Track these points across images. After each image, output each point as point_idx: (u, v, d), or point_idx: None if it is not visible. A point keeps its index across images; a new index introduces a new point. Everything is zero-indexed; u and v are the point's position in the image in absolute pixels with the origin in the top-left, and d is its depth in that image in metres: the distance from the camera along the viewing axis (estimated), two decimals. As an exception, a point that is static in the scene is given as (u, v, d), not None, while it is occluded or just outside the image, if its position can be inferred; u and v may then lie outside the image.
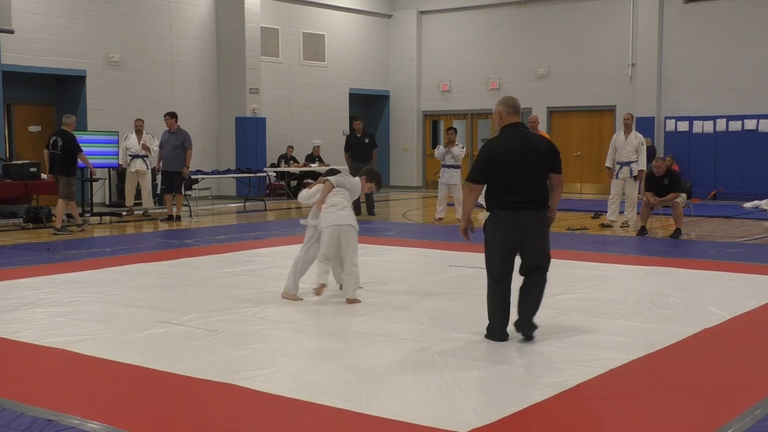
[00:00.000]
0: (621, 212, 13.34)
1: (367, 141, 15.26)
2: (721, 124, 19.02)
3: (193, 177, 16.01)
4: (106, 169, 16.80)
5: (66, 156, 12.79)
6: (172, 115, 14.46)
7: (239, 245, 11.12)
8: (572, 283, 7.93)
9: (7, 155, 15.87)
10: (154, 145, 15.11)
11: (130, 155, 15.35)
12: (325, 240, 7.08)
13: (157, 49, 18.58)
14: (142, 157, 15.30)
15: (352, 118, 18.78)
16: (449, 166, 14.05)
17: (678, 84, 19.63)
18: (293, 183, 20.46)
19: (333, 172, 7.60)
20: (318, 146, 20.97)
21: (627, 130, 13.13)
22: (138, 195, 15.66)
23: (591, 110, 20.94)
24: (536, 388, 4.70)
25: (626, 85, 20.31)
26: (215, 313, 6.68)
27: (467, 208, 5.90)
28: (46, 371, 5.17)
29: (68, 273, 8.76)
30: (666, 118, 19.76)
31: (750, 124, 18.68)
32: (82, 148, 13.09)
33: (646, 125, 19.07)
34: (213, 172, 17.47)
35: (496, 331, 5.78)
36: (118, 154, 15.92)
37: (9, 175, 13.64)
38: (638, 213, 12.61)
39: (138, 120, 15.55)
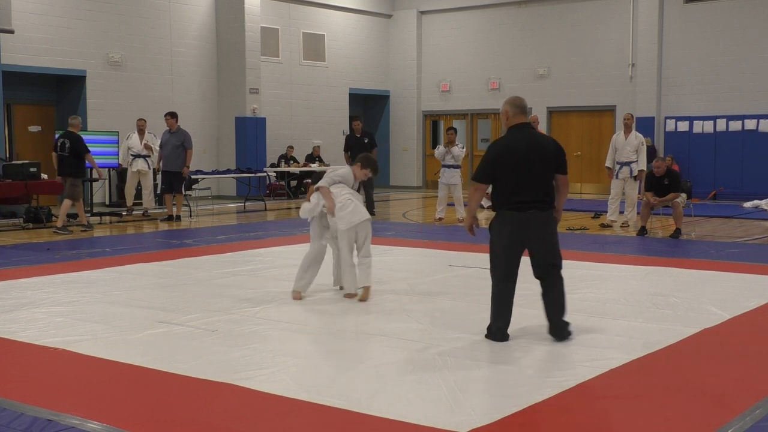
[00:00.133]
0: (621, 212, 13.34)
1: (366, 141, 15.26)
2: (721, 124, 19.02)
3: (193, 177, 16.01)
4: (106, 169, 16.79)
5: (73, 157, 12.87)
6: (172, 115, 14.46)
7: (239, 245, 11.12)
8: (572, 283, 7.90)
9: (7, 155, 15.87)
10: (156, 145, 15.10)
11: (132, 155, 15.35)
12: (345, 242, 7.12)
13: (157, 49, 18.58)
14: (144, 156, 15.30)
15: (352, 118, 18.79)
16: (449, 166, 14.05)
17: (678, 84, 19.63)
18: (293, 183, 20.47)
19: (319, 178, 7.57)
20: (318, 146, 20.98)
21: (627, 130, 13.13)
22: (138, 195, 15.66)
23: (591, 110, 20.94)
24: (536, 388, 4.70)
25: (626, 85, 20.31)
26: (215, 313, 6.68)
27: (472, 207, 5.92)
28: (46, 371, 5.17)
29: (68, 273, 8.76)
30: (666, 118, 19.76)
31: (750, 124, 18.68)
32: (89, 149, 13.13)
33: (646, 125, 19.07)
34: (213, 172, 17.47)
35: (497, 332, 5.78)
36: (118, 154, 15.93)
37: (9, 175, 13.64)
38: (638, 213, 12.61)
39: (140, 120, 15.54)
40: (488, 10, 22.38)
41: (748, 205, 16.58)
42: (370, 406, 4.36)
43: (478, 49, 22.56)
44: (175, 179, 14.38)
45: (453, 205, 14.41)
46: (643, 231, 12.02)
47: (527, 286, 7.68)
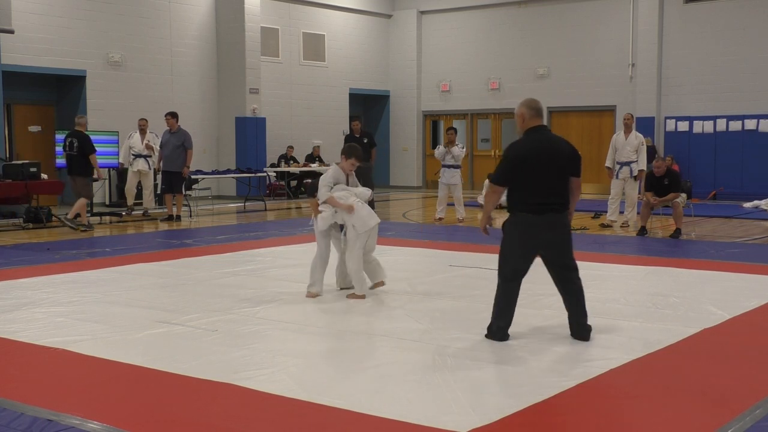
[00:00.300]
0: (621, 212, 13.33)
1: (365, 141, 15.25)
2: (721, 124, 19.02)
3: (193, 177, 16.00)
4: (107, 169, 16.79)
5: (81, 157, 12.96)
6: (173, 115, 14.46)
7: (239, 245, 11.12)
8: (572, 283, 7.92)
9: (7, 155, 15.87)
10: (157, 146, 15.10)
11: (132, 155, 15.34)
12: (361, 245, 7.18)
13: (157, 49, 18.58)
14: (145, 157, 15.28)
15: (351, 118, 18.79)
16: (449, 166, 14.05)
17: (678, 84, 19.63)
18: (293, 183, 20.47)
19: (312, 187, 7.56)
20: (318, 146, 20.97)
21: (627, 130, 13.13)
22: (138, 195, 15.66)
23: (591, 110, 20.94)
24: (536, 388, 4.70)
25: (626, 85, 20.31)
26: (215, 313, 6.68)
27: (488, 208, 5.95)
28: (46, 371, 5.17)
29: (68, 273, 8.76)
30: (666, 118, 19.76)
31: (750, 124, 18.68)
32: (96, 149, 13.29)
33: (646, 125, 19.07)
34: (213, 172, 17.47)
35: (498, 331, 5.78)
36: (118, 154, 15.92)
37: (9, 175, 13.64)
38: (638, 213, 12.61)
39: (142, 119, 15.52)
40: (488, 10, 22.37)
41: (747, 205, 16.58)
42: (370, 406, 4.36)
43: (478, 49, 22.55)
44: (175, 179, 14.37)
45: (453, 205, 14.41)
46: (643, 231, 12.02)
47: (528, 286, 7.67)
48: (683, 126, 19.48)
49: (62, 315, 6.65)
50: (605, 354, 5.42)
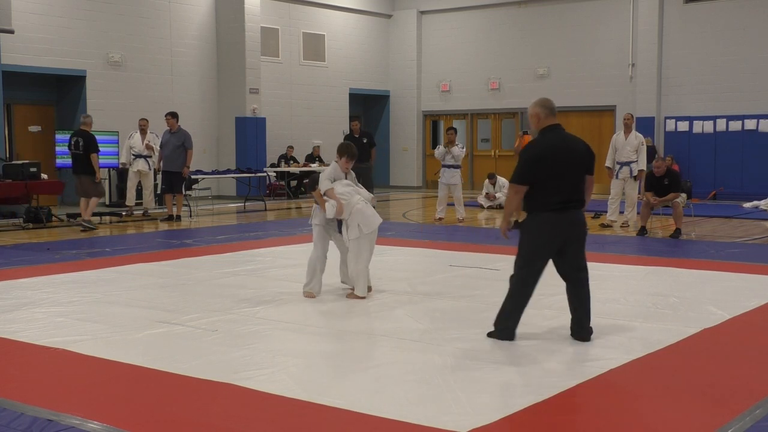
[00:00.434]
0: (621, 212, 13.33)
1: (365, 141, 15.25)
2: (721, 124, 19.02)
3: (193, 177, 16.01)
4: (107, 169, 16.80)
5: (86, 156, 13.02)
6: (173, 115, 14.46)
7: (239, 245, 11.12)
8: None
9: (7, 155, 15.87)
10: (157, 146, 15.09)
11: (133, 155, 15.33)
12: (368, 245, 7.20)
13: (157, 49, 18.58)
14: (145, 157, 15.27)
15: (351, 118, 18.78)
16: (449, 166, 14.04)
17: (678, 84, 19.63)
18: (293, 183, 20.47)
19: (312, 182, 7.58)
20: (318, 146, 20.98)
21: (627, 130, 13.12)
22: (139, 195, 15.65)
23: (591, 110, 20.94)
24: (536, 387, 4.70)
25: (626, 85, 20.31)
26: (215, 313, 6.68)
27: (509, 210, 5.81)
28: (46, 371, 5.17)
29: (68, 273, 8.76)
30: (666, 118, 19.76)
31: (750, 124, 18.68)
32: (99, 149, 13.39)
33: (646, 125, 19.06)
34: (213, 172, 17.47)
35: (505, 331, 5.76)
36: (118, 154, 15.91)
37: (9, 175, 13.65)
38: (638, 213, 12.61)
39: (142, 119, 15.50)
40: (488, 10, 22.37)
41: (747, 205, 16.59)
42: (370, 406, 4.36)
43: (478, 49, 22.55)
44: (175, 179, 14.38)
45: (453, 205, 14.41)
46: (643, 231, 12.02)
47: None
48: (683, 126, 19.48)
49: (62, 315, 6.65)
50: (605, 354, 5.42)
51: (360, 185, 7.60)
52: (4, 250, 10.66)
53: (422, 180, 24.08)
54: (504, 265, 9.11)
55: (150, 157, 15.28)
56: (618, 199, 13.17)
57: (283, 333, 6.14)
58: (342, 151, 7.46)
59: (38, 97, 17.60)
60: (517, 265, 5.80)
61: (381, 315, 6.77)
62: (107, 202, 17.25)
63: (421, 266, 9.35)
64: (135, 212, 15.30)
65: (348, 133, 16.93)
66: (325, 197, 7.29)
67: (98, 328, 6.21)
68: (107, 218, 14.56)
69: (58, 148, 15.60)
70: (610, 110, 20.56)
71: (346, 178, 7.48)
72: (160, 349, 5.60)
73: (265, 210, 16.75)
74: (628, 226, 13.03)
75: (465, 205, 14.85)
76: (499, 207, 17.12)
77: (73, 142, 13.15)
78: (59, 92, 17.75)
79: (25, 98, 17.30)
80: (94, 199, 13.19)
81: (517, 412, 4.29)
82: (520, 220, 5.80)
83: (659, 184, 11.83)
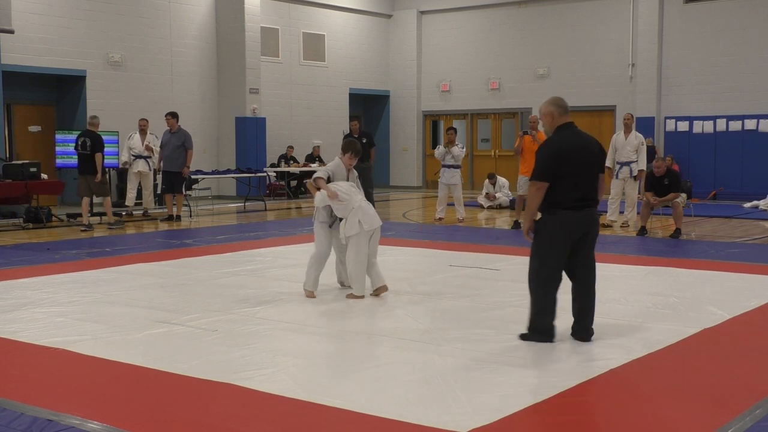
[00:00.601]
0: (621, 212, 13.33)
1: (364, 141, 15.24)
2: (721, 124, 19.02)
3: (193, 177, 16.01)
4: (107, 169, 16.77)
5: (93, 156, 13.06)
6: (173, 115, 14.46)
7: (239, 245, 11.12)
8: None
9: (7, 155, 15.87)
10: (157, 147, 15.08)
11: (132, 155, 15.31)
12: (365, 244, 7.18)
13: (157, 49, 18.58)
14: (145, 158, 15.26)
15: (351, 118, 18.78)
16: (449, 166, 14.04)
17: (678, 84, 19.63)
18: (293, 183, 20.47)
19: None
20: (318, 146, 20.98)
21: (627, 130, 13.12)
22: (139, 195, 15.64)
23: (591, 110, 20.93)
24: (536, 387, 4.70)
25: (626, 85, 20.31)
26: (215, 313, 6.68)
27: (531, 209, 5.77)
28: (46, 371, 5.17)
29: (68, 273, 8.76)
30: (666, 118, 19.76)
31: (750, 124, 18.68)
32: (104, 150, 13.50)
33: (646, 125, 19.07)
34: (213, 172, 17.47)
35: (550, 330, 5.70)
36: (118, 154, 15.90)
37: (9, 175, 13.65)
38: (638, 213, 12.61)
39: (142, 120, 15.48)
40: (488, 10, 22.37)
41: (747, 205, 16.59)
42: (370, 406, 4.36)
43: (478, 49, 22.55)
44: (175, 179, 14.38)
45: (453, 205, 14.41)
46: (643, 231, 12.02)
47: (528, 286, 7.68)
48: (683, 126, 19.48)
49: (62, 315, 6.65)
50: (605, 354, 5.42)
51: (360, 188, 7.60)
52: (4, 250, 10.66)
53: (422, 180, 24.08)
54: (504, 265, 9.14)
55: (149, 157, 15.27)
56: (618, 199, 13.17)
57: (283, 333, 6.14)
58: (346, 147, 7.50)
59: (38, 97, 17.60)
60: (534, 266, 5.75)
61: (381, 315, 6.77)
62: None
63: (421, 266, 9.36)
64: (135, 212, 15.29)
65: (347, 133, 16.93)
66: (315, 185, 7.32)
67: (98, 328, 6.21)
68: (107, 218, 14.54)
69: (58, 148, 15.59)
70: (610, 110, 20.56)
71: (348, 176, 7.49)
72: (160, 349, 5.60)
73: (265, 210, 16.75)
74: (628, 226, 13.03)
75: (465, 205, 14.85)
76: (499, 207, 17.12)
77: (80, 143, 13.19)
78: (59, 92, 17.75)
79: (25, 98, 17.30)
80: (107, 198, 13.40)
81: (517, 412, 4.29)
82: (536, 219, 5.79)
83: (659, 184, 11.83)
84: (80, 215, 13.43)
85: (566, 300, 5.88)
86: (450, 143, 14.02)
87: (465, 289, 7.78)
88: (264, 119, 20.09)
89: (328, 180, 7.38)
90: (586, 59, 20.77)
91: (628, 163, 12.99)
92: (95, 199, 13.79)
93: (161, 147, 14.64)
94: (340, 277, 7.72)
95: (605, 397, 4.66)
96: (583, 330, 5.80)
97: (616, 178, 13.12)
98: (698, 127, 19.30)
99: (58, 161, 15.69)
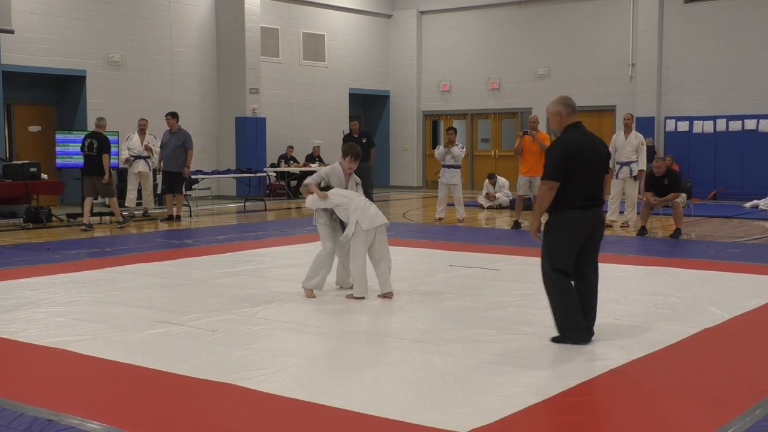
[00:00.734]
0: (621, 212, 13.33)
1: (364, 141, 15.26)
2: (721, 124, 19.02)
3: (193, 177, 16.00)
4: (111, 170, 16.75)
5: (100, 157, 13.13)
6: (173, 115, 14.46)
7: (239, 245, 11.11)
8: (572, 283, 7.92)
9: (7, 155, 15.87)
10: (156, 147, 15.07)
11: (132, 156, 15.29)
12: (363, 244, 7.13)
13: (157, 49, 18.58)
14: (145, 158, 15.24)
15: (351, 118, 18.78)
16: (449, 166, 14.04)
17: (678, 84, 19.63)
18: (293, 183, 20.47)
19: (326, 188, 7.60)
20: (318, 146, 20.98)
21: (627, 130, 13.12)
22: (139, 195, 15.62)
23: (591, 110, 20.90)
24: (536, 387, 4.70)
25: (626, 85, 20.31)
26: (215, 313, 6.68)
27: (542, 208, 5.73)
28: (46, 371, 5.17)
29: (68, 273, 8.76)
30: (666, 118, 19.76)
31: (750, 124, 18.68)
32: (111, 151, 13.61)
33: (646, 125, 19.07)
34: (213, 172, 17.47)
35: (579, 326, 5.64)
36: (118, 154, 15.89)
37: (9, 175, 13.65)
38: (638, 213, 12.61)
39: (142, 119, 15.45)
40: (488, 10, 22.37)
41: (748, 205, 16.59)
42: (370, 406, 4.36)
43: (478, 49, 22.55)
44: (175, 179, 14.38)
45: (453, 205, 14.41)
46: (643, 231, 12.02)
47: (528, 286, 7.69)
48: (683, 126, 19.48)
49: (62, 315, 6.65)
50: (605, 354, 5.42)
51: (362, 192, 7.59)
52: (4, 250, 10.66)
53: (422, 180, 24.08)
54: (504, 265, 9.14)
55: (149, 157, 15.25)
56: (618, 199, 13.17)
57: (283, 333, 6.14)
58: (346, 151, 7.50)
59: (38, 97, 17.60)
60: (546, 269, 5.72)
61: (381, 315, 6.77)
62: (107, 202, 17.23)
63: (421, 266, 9.35)
64: (135, 212, 15.28)
65: (347, 133, 16.93)
66: (307, 189, 7.33)
67: (98, 328, 6.21)
68: (107, 218, 14.55)
69: (58, 148, 15.59)
70: (610, 110, 20.56)
71: (346, 181, 7.47)
72: (160, 349, 5.60)
73: (265, 210, 16.75)
74: (628, 226, 13.03)
75: (465, 205, 14.85)
76: (499, 207, 17.12)
77: (86, 144, 13.23)
78: (59, 92, 17.75)
79: (25, 98, 17.30)
80: (114, 200, 13.46)
81: (517, 412, 4.29)
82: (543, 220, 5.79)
83: (659, 184, 11.82)
84: (80, 215, 13.43)
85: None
86: (450, 143, 14.02)
87: (465, 289, 7.78)
88: (264, 119, 20.10)
89: (325, 187, 7.37)
90: (586, 59, 20.77)
91: (628, 163, 12.99)
92: (97, 200, 13.79)
93: (161, 147, 14.64)
94: (340, 281, 7.70)
95: (605, 397, 4.66)
96: (589, 331, 5.79)
97: (616, 178, 13.12)
98: (698, 127, 19.30)
99: (58, 161, 15.69)
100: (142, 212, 15.32)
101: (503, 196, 17.32)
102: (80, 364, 5.29)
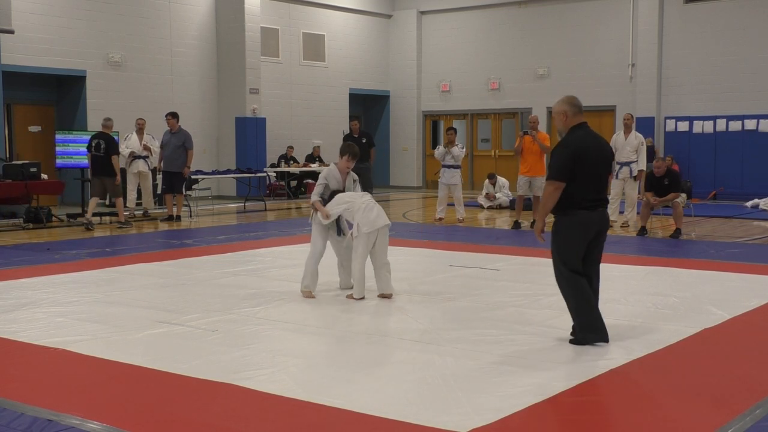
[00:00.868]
0: (621, 212, 13.34)
1: (364, 141, 15.26)
2: (721, 124, 19.02)
3: (193, 177, 16.00)
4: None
5: (108, 158, 13.15)
6: (173, 116, 14.46)
7: (239, 245, 11.12)
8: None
9: (7, 155, 15.87)
10: (155, 146, 15.08)
11: (131, 156, 15.27)
12: (364, 246, 7.11)
13: (157, 49, 18.58)
14: (144, 158, 15.25)
15: (351, 118, 18.78)
16: (449, 166, 14.03)
17: (678, 84, 19.63)
18: (293, 183, 20.47)
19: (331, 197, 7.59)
20: (318, 146, 20.98)
21: (627, 130, 13.12)
22: (139, 195, 15.62)
23: (591, 110, 20.87)
24: (536, 387, 4.70)
25: (626, 85, 20.31)
26: (215, 313, 6.68)
27: (547, 208, 5.70)
28: (46, 371, 5.17)
29: (68, 273, 8.76)
30: (666, 118, 19.76)
31: (750, 124, 18.68)
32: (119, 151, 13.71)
33: (646, 125, 19.07)
34: (213, 172, 17.47)
35: (599, 323, 5.63)
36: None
37: (9, 175, 13.65)
38: (638, 213, 12.61)
39: (140, 119, 15.46)
40: (488, 10, 22.37)
41: (748, 204, 16.59)
42: (370, 406, 4.36)
43: (478, 49, 22.55)
44: (175, 179, 14.38)
45: (453, 205, 14.41)
46: (643, 231, 12.02)
47: (527, 286, 7.70)
48: (683, 126, 19.48)
49: (62, 315, 6.65)
50: (605, 354, 5.42)
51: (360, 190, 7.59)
52: (4, 250, 10.66)
53: (422, 180, 24.08)
54: (504, 265, 9.13)
55: (147, 157, 15.25)
56: (618, 200, 13.17)
57: (283, 333, 6.14)
58: (344, 150, 7.51)
59: (38, 97, 17.61)
60: (559, 269, 5.71)
61: (381, 315, 6.77)
62: (107, 202, 17.24)
63: (421, 266, 9.35)
64: (136, 212, 15.28)
65: (347, 133, 16.94)
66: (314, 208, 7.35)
67: (98, 328, 6.21)
68: (107, 218, 14.55)
69: (58, 149, 15.57)
70: (610, 110, 20.56)
71: (344, 180, 7.48)
72: (160, 349, 5.60)
73: (265, 210, 16.75)
74: (628, 226, 13.03)
75: (465, 206, 14.85)
76: (499, 207, 17.12)
77: (93, 145, 13.26)
78: (59, 92, 17.76)
79: (25, 98, 17.30)
80: (119, 200, 13.51)
81: (517, 412, 4.29)
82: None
83: (659, 184, 11.83)
84: (80, 215, 13.43)
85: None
86: (450, 143, 14.01)
87: (465, 289, 7.78)
88: (264, 119, 20.10)
89: (327, 199, 7.37)
90: (586, 59, 20.77)
91: (628, 163, 12.99)
92: (104, 200, 13.88)
93: (162, 147, 14.64)
94: (343, 283, 7.70)
95: (605, 397, 4.66)
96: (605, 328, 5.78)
97: (616, 178, 13.12)
98: (698, 127, 19.30)
99: (58, 161, 15.67)
100: (142, 212, 15.32)
101: (503, 196, 17.32)
102: (80, 364, 5.29)
